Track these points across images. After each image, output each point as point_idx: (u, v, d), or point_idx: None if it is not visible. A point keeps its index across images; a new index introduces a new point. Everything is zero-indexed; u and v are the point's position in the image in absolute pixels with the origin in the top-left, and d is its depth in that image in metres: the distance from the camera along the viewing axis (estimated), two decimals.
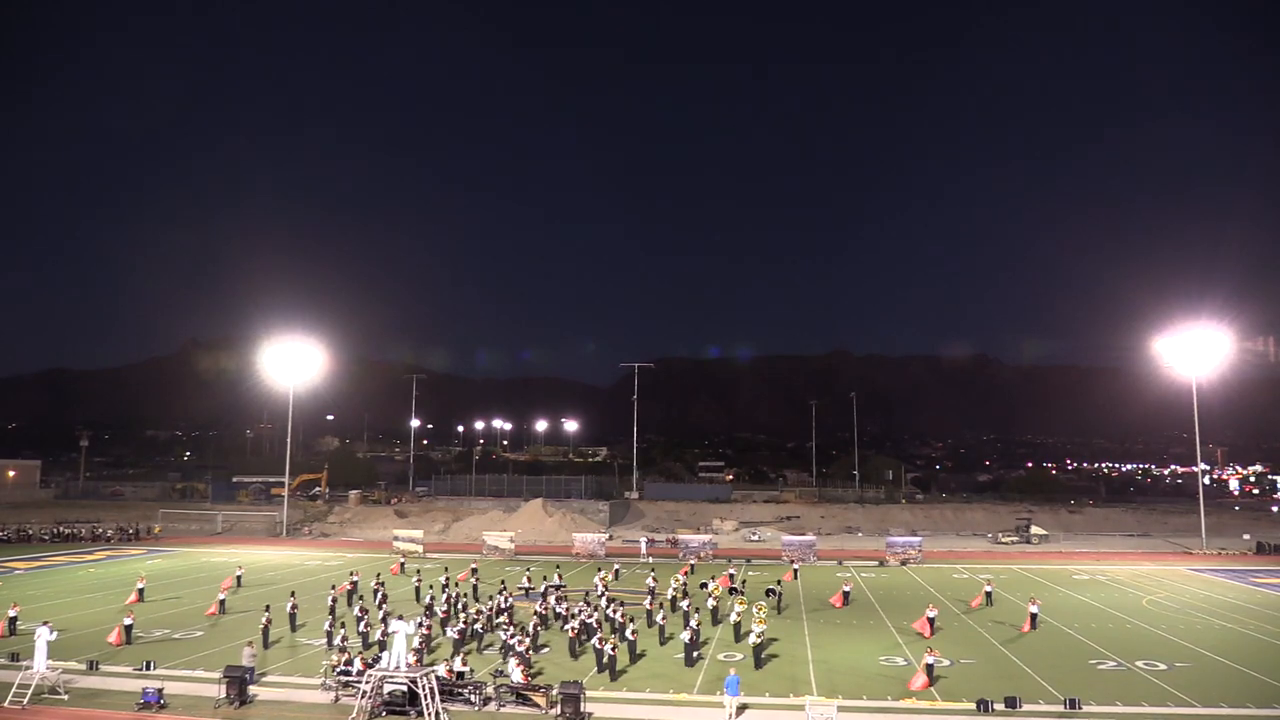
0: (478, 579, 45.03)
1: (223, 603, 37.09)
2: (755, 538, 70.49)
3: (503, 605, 34.29)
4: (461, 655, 26.70)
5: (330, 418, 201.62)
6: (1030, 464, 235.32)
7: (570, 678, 24.35)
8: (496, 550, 59.32)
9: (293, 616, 33.87)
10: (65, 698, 23.96)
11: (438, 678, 23.01)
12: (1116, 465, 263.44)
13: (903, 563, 55.33)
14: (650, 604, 35.05)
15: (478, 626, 31.81)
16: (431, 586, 39.24)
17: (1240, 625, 35.04)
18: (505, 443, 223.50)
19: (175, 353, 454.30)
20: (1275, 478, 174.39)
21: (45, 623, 25.96)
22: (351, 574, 42.58)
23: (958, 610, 38.32)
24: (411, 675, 22.60)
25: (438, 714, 21.81)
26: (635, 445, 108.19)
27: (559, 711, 22.08)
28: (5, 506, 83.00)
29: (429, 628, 30.78)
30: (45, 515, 77.96)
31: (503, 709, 23.31)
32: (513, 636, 27.82)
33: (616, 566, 49.63)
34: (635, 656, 28.62)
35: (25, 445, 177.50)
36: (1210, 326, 67.09)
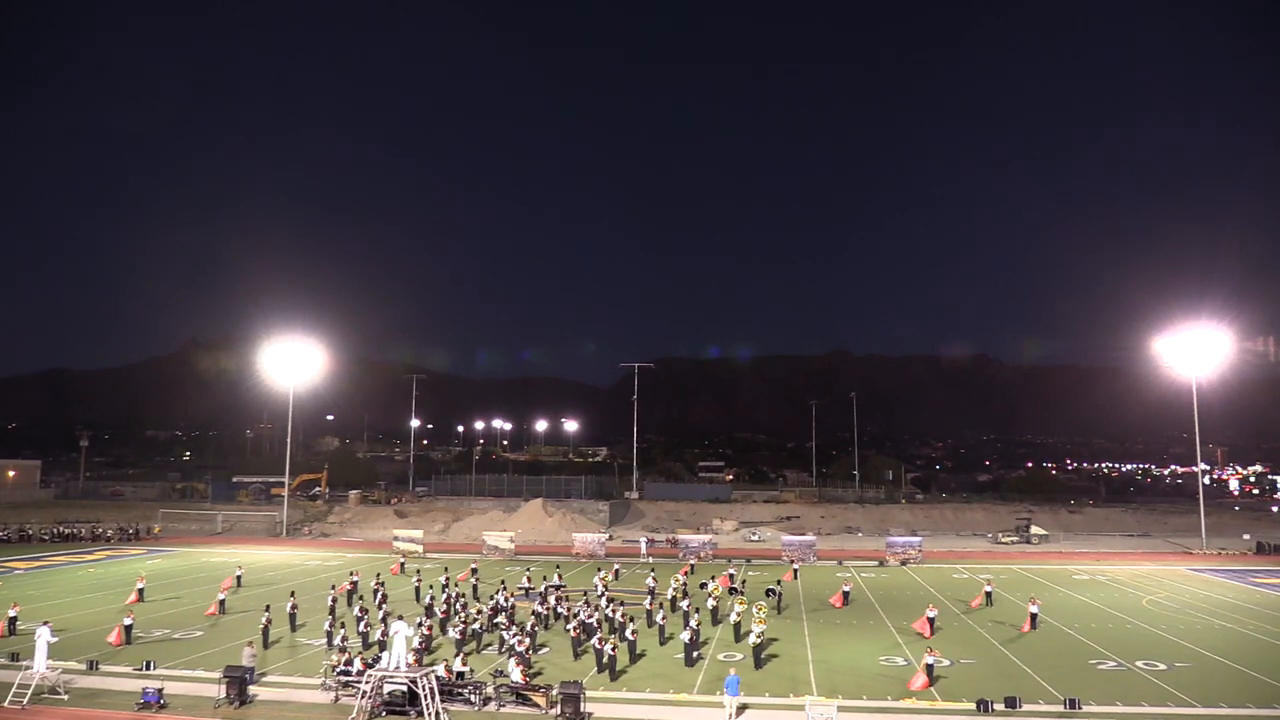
0: (478, 579, 45.02)
1: (223, 603, 37.08)
2: (755, 538, 70.48)
3: (503, 605, 34.29)
4: (461, 655, 26.71)
5: (330, 418, 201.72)
6: (1030, 464, 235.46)
7: (570, 678, 24.34)
8: (496, 550, 59.32)
9: (293, 616, 33.87)
10: (65, 698, 23.95)
11: (437, 678, 23.01)
12: (1116, 465, 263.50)
13: (903, 563, 55.32)
14: (650, 604, 35.04)
15: (477, 626, 31.82)
16: (431, 586, 39.22)
17: (1240, 625, 35.03)
18: (505, 443, 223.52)
19: (175, 353, 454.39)
20: (1275, 478, 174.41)
21: (45, 623, 25.98)
22: (351, 574, 42.58)
23: (958, 610, 38.31)
24: (411, 675, 22.60)
25: (438, 714, 21.81)
26: (635, 445, 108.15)
27: (559, 711, 22.08)
28: (5, 506, 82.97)
29: (430, 628, 30.78)
30: (45, 515, 77.95)
31: (503, 709, 23.31)
32: (514, 636, 27.83)
33: (616, 566, 49.61)
34: (635, 656, 28.61)
35: (25, 445, 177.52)
36: (1210, 326, 67.07)
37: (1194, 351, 66.59)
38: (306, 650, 30.10)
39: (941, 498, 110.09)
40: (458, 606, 35.02)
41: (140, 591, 39.68)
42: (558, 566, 49.71)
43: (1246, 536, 68.13)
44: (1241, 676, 26.84)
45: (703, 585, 41.09)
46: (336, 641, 29.76)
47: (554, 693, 22.76)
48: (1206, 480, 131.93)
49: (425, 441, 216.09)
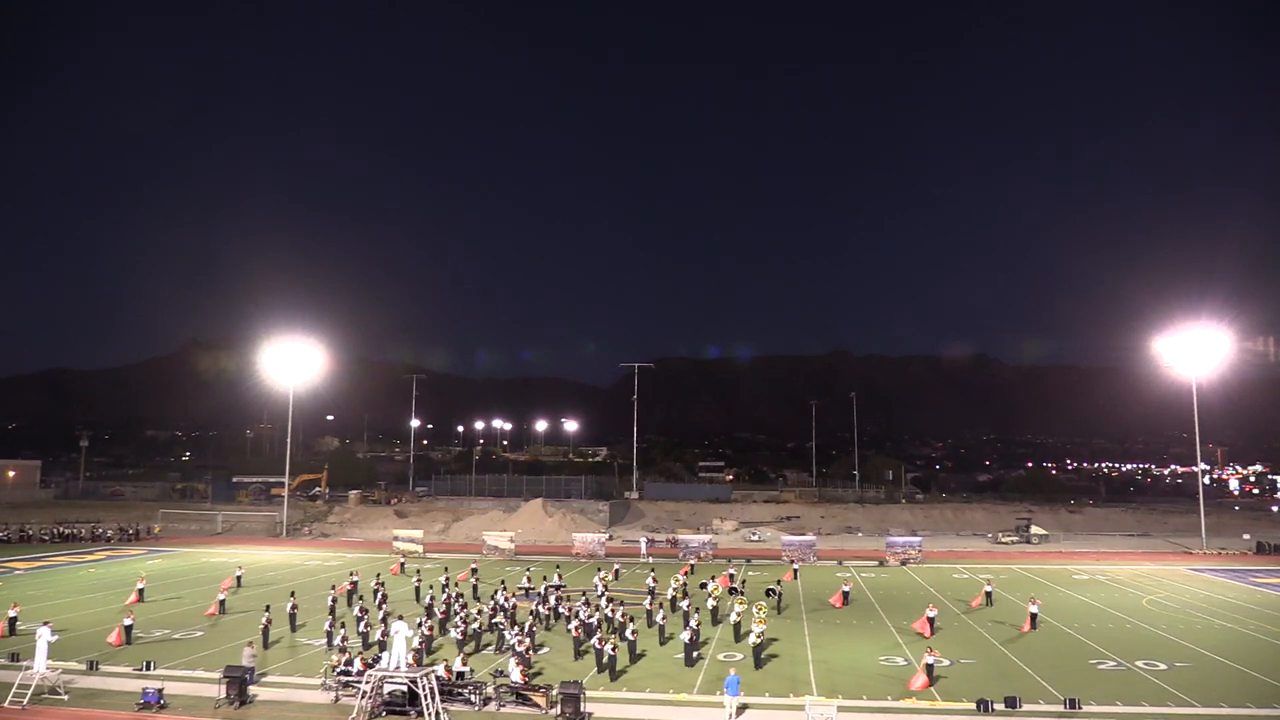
0: (478, 579, 45.02)
1: (223, 603, 37.08)
2: (755, 538, 70.48)
3: (503, 604, 34.28)
4: (461, 655, 26.72)
5: (330, 418, 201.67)
6: (1030, 464, 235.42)
7: (570, 678, 24.34)
8: (496, 550, 59.32)
9: (293, 617, 33.87)
10: (65, 698, 23.95)
11: (437, 678, 23.01)
12: (1116, 465, 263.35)
13: (903, 563, 55.32)
14: (650, 604, 35.03)
15: (476, 626, 31.82)
16: (431, 587, 39.22)
17: (1240, 625, 35.04)
18: (505, 443, 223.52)
19: (175, 353, 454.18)
20: (1275, 478, 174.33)
21: (45, 623, 25.98)
22: (351, 574, 42.58)
23: (958, 610, 38.32)
24: (411, 675, 22.60)
25: (438, 714, 21.81)
26: (635, 445, 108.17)
27: (559, 711, 22.08)
28: (5, 506, 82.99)
29: (431, 628, 30.77)
30: (45, 515, 77.95)
31: (503, 709, 23.31)
32: (514, 636, 27.83)
33: (616, 566, 49.61)
34: (635, 656, 28.61)
35: (25, 445, 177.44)
36: (1210, 326, 67.09)
37: (1194, 351, 66.60)
38: (306, 650, 30.10)
39: (941, 498, 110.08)
40: (457, 606, 35.03)
41: (140, 592, 39.69)
42: (558, 566, 49.71)
43: (1246, 536, 68.15)
44: (1241, 676, 26.84)
45: (703, 585, 41.09)
46: (336, 641, 29.76)
47: (554, 693, 22.76)
48: (1206, 480, 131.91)
49: (425, 441, 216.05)
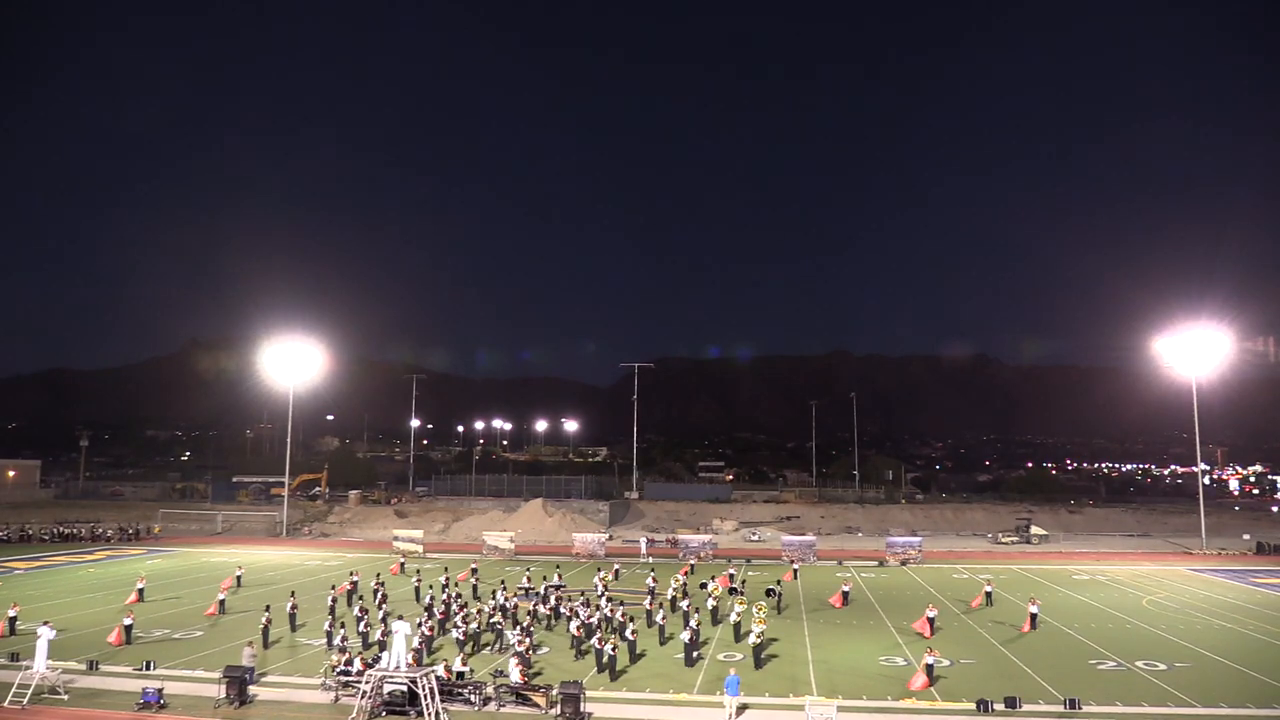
0: (478, 579, 45.02)
1: (223, 603, 37.08)
2: (755, 538, 70.48)
3: (503, 604, 34.28)
4: (461, 655, 26.72)
5: (330, 418, 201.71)
6: (1030, 464, 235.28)
7: (570, 678, 24.34)
8: (496, 550, 59.31)
9: (293, 616, 33.87)
10: (65, 698, 23.95)
11: (437, 678, 23.01)
12: (1116, 465, 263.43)
13: (903, 563, 55.32)
14: (650, 604, 35.03)
15: (475, 626, 31.82)
16: (431, 587, 39.23)
17: (1240, 625, 35.04)
18: (505, 443, 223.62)
19: (175, 353, 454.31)
20: (1275, 478, 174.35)
21: (45, 623, 25.99)
22: (351, 574, 42.57)
23: (958, 610, 38.31)
24: (411, 675, 22.60)
25: (437, 714, 21.81)
26: (635, 445, 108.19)
27: (559, 711, 22.08)
28: (5, 506, 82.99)
29: (431, 628, 30.78)
30: (45, 515, 77.97)
31: (503, 709, 23.32)
32: (514, 636, 27.82)
33: (616, 566, 49.61)
34: (635, 656, 28.62)
35: (25, 445, 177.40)
36: (1210, 326, 67.12)
37: (1194, 351, 66.61)
38: (306, 650, 30.10)
39: (941, 498, 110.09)
40: (456, 606, 35.03)
41: (140, 591, 39.69)
42: (558, 566, 49.71)
43: (1246, 536, 68.15)
44: (1241, 676, 26.84)
45: (703, 585, 41.10)
46: (336, 641, 29.74)
47: (554, 693, 22.76)
48: (1206, 480, 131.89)
49: (425, 441, 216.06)
